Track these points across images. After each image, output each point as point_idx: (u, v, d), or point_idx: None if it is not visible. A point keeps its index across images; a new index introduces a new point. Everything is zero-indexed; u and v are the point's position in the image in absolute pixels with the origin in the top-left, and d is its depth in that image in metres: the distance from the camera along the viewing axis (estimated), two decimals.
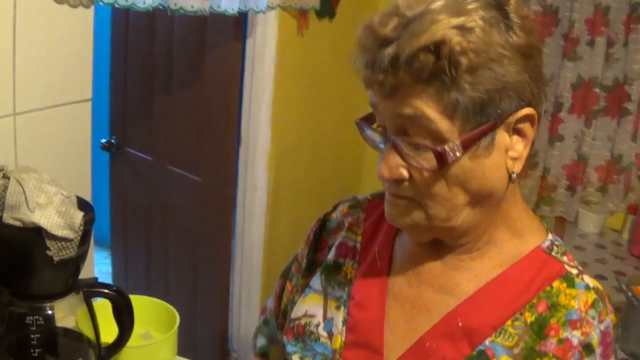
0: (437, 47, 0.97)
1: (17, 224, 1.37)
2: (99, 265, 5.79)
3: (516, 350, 1.11)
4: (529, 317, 1.12)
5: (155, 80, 3.62)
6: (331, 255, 1.37)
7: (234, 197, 3.45)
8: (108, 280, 4.58)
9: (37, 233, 1.37)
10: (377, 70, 1.02)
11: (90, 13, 1.98)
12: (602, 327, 1.12)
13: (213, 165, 3.44)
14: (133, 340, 1.63)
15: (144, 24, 3.58)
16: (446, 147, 1.02)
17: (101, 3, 2.03)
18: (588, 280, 1.15)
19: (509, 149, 1.09)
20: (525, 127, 1.09)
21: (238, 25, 3.14)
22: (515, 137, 1.09)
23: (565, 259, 1.18)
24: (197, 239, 3.58)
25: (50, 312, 1.47)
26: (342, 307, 1.28)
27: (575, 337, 1.10)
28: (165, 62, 3.52)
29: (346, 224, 1.39)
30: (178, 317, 1.84)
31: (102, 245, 5.90)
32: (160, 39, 3.52)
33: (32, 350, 1.42)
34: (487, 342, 1.12)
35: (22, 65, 1.80)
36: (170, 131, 3.61)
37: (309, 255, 1.43)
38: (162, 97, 3.60)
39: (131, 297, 1.63)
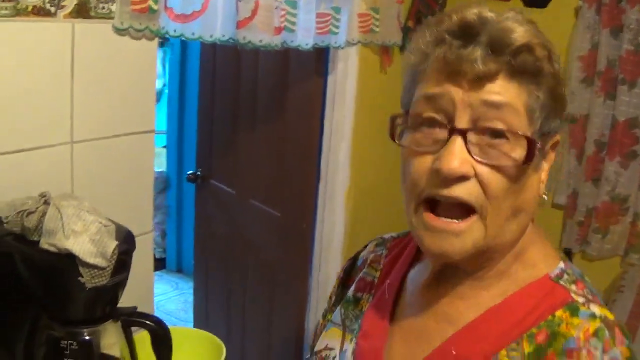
0: (534, 48, 1.03)
1: (52, 249, 1.40)
2: (185, 295, 5.88)
3: None
4: (527, 348, 1.05)
5: (239, 114, 3.67)
6: (351, 290, 1.38)
7: (312, 233, 3.43)
8: (190, 310, 4.64)
9: (72, 259, 1.39)
10: (471, 56, 1.02)
11: (153, 45, 2.02)
12: (606, 357, 1.01)
13: (293, 200, 3.44)
14: None
15: (230, 59, 3.65)
16: (536, 140, 1.04)
17: (167, 35, 2.06)
18: (595, 308, 1.07)
19: (542, 171, 1.12)
20: (553, 153, 1.13)
21: (320, 61, 3.15)
22: (546, 161, 1.13)
23: (573, 287, 1.11)
24: (275, 273, 3.58)
25: (86, 337, 1.49)
26: (354, 339, 1.28)
27: None
28: (250, 97, 3.56)
29: (368, 261, 1.40)
30: (224, 350, 1.83)
31: (188, 274, 6.00)
32: (246, 73, 3.58)
33: None
34: None
35: (80, 94, 1.85)
36: (253, 165, 3.64)
37: (337, 291, 1.45)
38: (246, 131, 3.64)
39: (177, 328, 1.64)
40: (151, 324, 1.57)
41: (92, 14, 1.86)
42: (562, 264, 1.15)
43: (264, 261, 3.64)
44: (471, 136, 1.03)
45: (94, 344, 1.50)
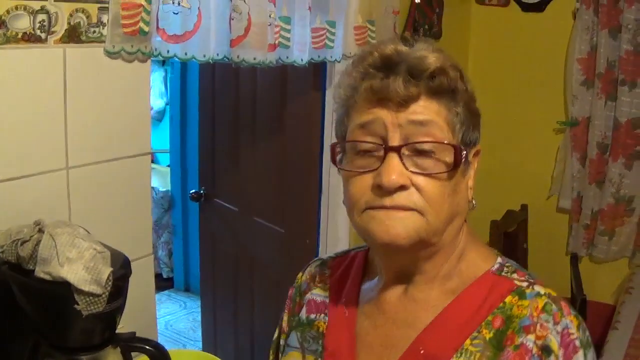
0: (446, 71, 1.19)
1: (47, 277, 1.40)
2: (194, 314, 5.87)
3: None
4: (487, 334, 1.19)
5: (240, 132, 3.67)
6: (303, 313, 1.44)
7: (316, 249, 3.41)
8: (199, 328, 4.63)
9: (67, 287, 1.39)
10: (394, 84, 1.16)
11: (146, 67, 2.02)
12: (559, 327, 1.16)
13: (296, 216, 3.43)
14: None
15: (229, 77, 3.65)
16: (461, 147, 1.20)
17: (160, 57, 2.05)
18: (539, 288, 1.22)
19: (469, 178, 1.26)
20: (476, 161, 1.28)
21: (317, 76, 3.15)
22: (471, 169, 1.27)
23: (515, 275, 1.26)
24: (281, 290, 3.55)
25: None
26: (319, 359, 1.35)
27: (529, 340, 1.16)
28: (249, 114, 3.56)
29: (315, 282, 1.47)
30: None
31: (196, 293, 5.98)
32: (244, 90, 3.57)
33: None
34: None
35: (74, 119, 1.85)
36: (255, 182, 3.63)
37: (289, 321, 1.49)
38: (247, 148, 3.63)
39: (177, 351, 1.63)
40: (150, 348, 1.57)
41: (83, 38, 1.85)
42: (499, 259, 1.30)
43: (269, 278, 3.63)
44: (404, 151, 1.17)
45: None
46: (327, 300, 1.41)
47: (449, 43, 3.90)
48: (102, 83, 1.92)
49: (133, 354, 1.60)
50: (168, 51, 2.08)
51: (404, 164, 1.17)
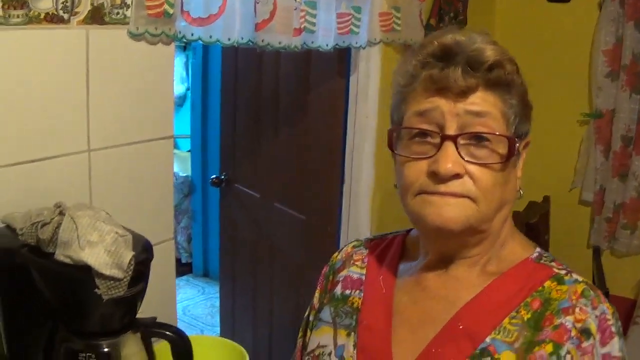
0: (503, 64, 1.24)
1: (68, 261, 1.38)
2: (212, 300, 5.87)
3: (517, 345, 1.20)
4: (525, 315, 1.23)
5: (262, 117, 3.64)
6: (338, 289, 1.47)
7: (337, 235, 3.39)
8: (217, 314, 4.63)
9: (88, 271, 1.37)
10: (453, 74, 1.20)
11: (170, 50, 1.99)
12: (597, 312, 1.20)
13: (317, 203, 3.41)
14: None
15: (251, 63, 3.62)
16: (515, 139, 1.24)
17: (184, 40, 2.02)
18: (576, 276, 1.27)
19: (518, 168, 1.31)
20: (525, 152, 1.32)
21: (342, 62, 3.11)
22: (520, 159, 1.32)
23: (553, 264, 1.31)
24: (301, 276, 3.54)
25: (105, 349, 1.47)
26: (352, 333, 1.37)
27: (568, 321, 1.19)
28: (272, 100, 3.53)
29: (351, 261, 1.51)
30: (247, 358, 1.80)
31: (214, 278, 5.99)
32: (267, 76, 3.55)
33: None
34: (487, 339, 1.22)
35: (96, 101, 1.82)
36: (276, 169, 3.61)
37: (321, 298, 1.53)
38: (269, 134, 3.61)
39: (198, 337, 1.61)
40: (171, 334, 1.55)
41: (107, 19, 1.83)
42: (538, 249, 1.35)
43: (289, 264, 3.61)
44: (460, 141, 1.22)
45: (113, 356, 1.47)
46: (364, 278, 1.46)
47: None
48: (125, 65, 1.90)
49: (154, 339, 1.58)
50: (192, 34, 2.06)
51: (459, 152, 1.21)
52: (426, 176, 1.23)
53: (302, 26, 2.43)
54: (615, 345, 1.20)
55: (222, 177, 4.03)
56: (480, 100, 1.22)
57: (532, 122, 1.32)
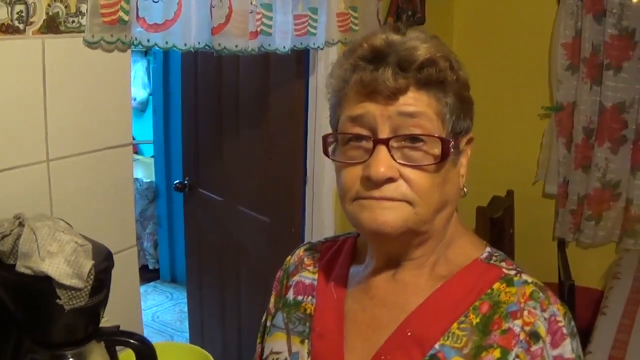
0: (436, 62, 1.19)
1: (29, 272, 1.37)
2: (180, 305, 5.85)
3: (465, 350, 1.18)
4: (474, 319, 1.21)
5: (223, 121, 3.64)
6: (290, 294, 1.46)
7: (302, 237, 3.40)
8: (186, 320, 4.61)
9: (49, 282, 1.36)
10: (383, 76, 1.17)
11: (127, 57, 1.99)
12: (546, 314, 1.19)
13: (281, 205, 3.41)
14: None
15: (211, 66, 3.62)
16: (449, 139, 1.20)
17: (141, 46, 2.02)
18: (526, 277, 1.25)
19: (461, 166, 1.28)
20: (468, 149, 1.30)
21: (300, 63, 3.12)
22: (463, 157, 1.29)
23: (503, 264, 1.29)
24: (267, 279, 3.52)
25: (70, 359, 1.45)
26: (306, 341, 1.36)
27: (516, 325, 1.18)
28: (233, 103, 3.53)
29: (303, 265, 1.50)
30: None
31: (182, 284, 5.97)
32: (227, 79, 3.55)
33: None
34: (437, 346, 1.20)
35: (54, 111, 1.82)
36: (240, 172, 3.61)
37: (276, 303, 1.52)
38: (231, 138, 3.61)
39: (163, 344, 1.61)
40: (135, 342, 1.54)
41: (62, 28, 1.82)
42: (488, 248, 1.33)
43: (255, 267, 3.61)
44: (393, 144, 1.19)
45: None
46: (315, 283, 1.44)
47: (433, 29, 3.86)
48: (82, 74, 1.89)
49: (119, 348, 1.58)
50: (149, 40, 2.06)
51: (392, 156, 1.19)
52: (360, 181, 1.21)
53: (259, 29, 2.44)
54: (567, 347, 1.18)
55: (185, 182, 4.02)
56: (413, 101, 1.19)
57: (474, 117, 1.29)
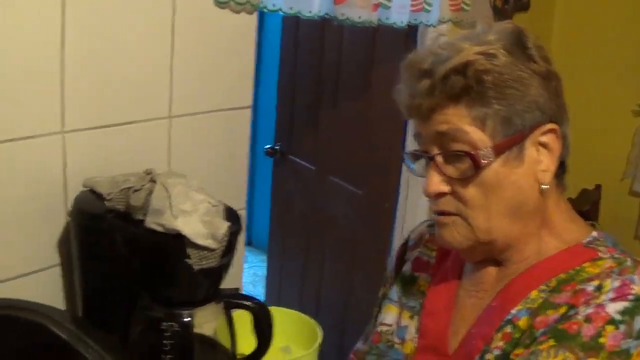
0: (464, 68, 1.16)
1: (159, 229, 1.36)
2: (255, 268, 5.90)
3: (534, 306, 1.19)
4: (553, 284, 1.20)
5: (322, 90, 3.63)
6: (407, 268, 1.50)
7: (394, 213, 3.37)
8: (262, 283, 4.64)
9: (179, 240, 1.35)
10: (416, 97, 1.21)
11: (253, 19, 1.98)
12: (622, 277, 1.13)
13: (375, 179, 3.39)
14: (272, 354, 1.60)
15: (313, 35, 3.60)
16: (479, 151, 1.17)
17: (265, 10, 2.01)
18: (624, 258, 1.19)
19: (538, 162, 1.22)
20: (551, 140, 1.21)
21: (409, 39, 3.07)
22: (542, 151, 1.22)
23: (602, 248, 1.23)
24: (354, 251, 3.54)
25: (187, 319, 1.44)
26: (416, 317, 1.40)
27: (591, 286, 1.14)
28: (333, 73, 3.51)
29: (423, 241, 1.52)
30: (321, 333, 1.80)
31: (259, 248, 6.00)
32: (329, 50, 3.53)
33: (163, 356, 1.41)
34: (513, 311, 1.21)
35: (179, 69, 1.82)
36: (335, 142, 3.60)
37: (393, 275, 1.54)
38: (329, 107, 3.59)
39: (274, 309, 1.60)
40: (254, 305, 1.54)
41: None
42: (594, 233, 1.27)
43: (343, 239, 3.61)
44: (439, 159, 1.21)
45: (194, 326, 1.46)
46: (433, 261, 1.46)
47: (535, 17, 3.82)
48: (209, 33, 1.89)
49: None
50: (274, 5, 2.04)
51: (441, 171, 1.21)
52: None
53: (379, 2, 2.41)
54: (618, 307, 1.09)
55: (277, 147, 4.02)
56: (444, 117, 1.19)
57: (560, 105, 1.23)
